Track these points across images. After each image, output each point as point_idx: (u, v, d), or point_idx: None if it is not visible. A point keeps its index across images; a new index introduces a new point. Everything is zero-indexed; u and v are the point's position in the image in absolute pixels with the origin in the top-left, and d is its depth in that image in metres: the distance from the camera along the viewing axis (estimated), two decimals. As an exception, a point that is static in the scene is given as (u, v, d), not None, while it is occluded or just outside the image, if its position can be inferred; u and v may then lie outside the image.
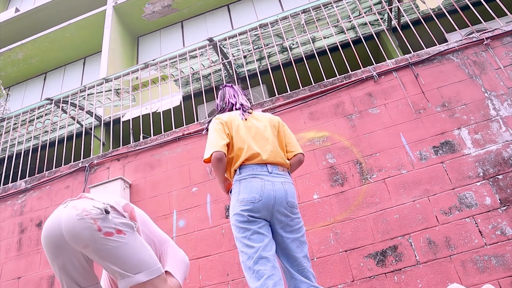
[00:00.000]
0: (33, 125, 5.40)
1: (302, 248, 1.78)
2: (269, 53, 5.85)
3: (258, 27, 4.75)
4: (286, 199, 1.78)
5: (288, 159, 1.97)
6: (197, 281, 2.87)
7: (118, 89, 5.71)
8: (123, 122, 5.67)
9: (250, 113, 2.07)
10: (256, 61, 5.70)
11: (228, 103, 2.15)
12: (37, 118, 5.32)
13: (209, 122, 2.05)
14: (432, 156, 2.85)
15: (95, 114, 6.02)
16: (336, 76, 3.51)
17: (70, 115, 5.15)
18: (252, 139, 1.90)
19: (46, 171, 4.11)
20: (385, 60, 3.50)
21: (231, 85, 2.24)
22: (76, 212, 1.37)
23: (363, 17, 4.65)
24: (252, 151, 1.84)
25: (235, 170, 1.86)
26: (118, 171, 3.68)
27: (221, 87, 2.27)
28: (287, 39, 5.02)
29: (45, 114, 5.41)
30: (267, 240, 1.70)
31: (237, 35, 4.77)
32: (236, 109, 2.09)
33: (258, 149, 1.85)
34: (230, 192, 1.89)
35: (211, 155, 1.80)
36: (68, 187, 3.77)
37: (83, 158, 4.72)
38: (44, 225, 1.44)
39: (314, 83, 3.53)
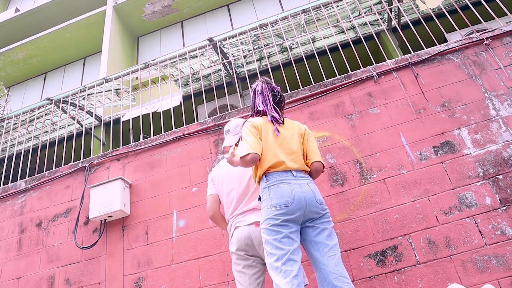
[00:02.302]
0: (33, 125, 5.40)
1: (332, 237, 1.91)
2: (269, 53, 5.85)
3: (258, 27, 4.75)
4: (315, 197, 1.91)
5: (308, 166, 2.05)
6: (197, 281, 2.87)
7: (118, 89, 5.71)
8: (123, 122, 5.67)
9: (283, 122, 2.11)
10: (256, 61, 5.71)
11: (257, 111, 2.15)
12: (37, 118, 5.32)
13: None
14: (432, 156, 2.85)
15: (95, 114, 6.03)
16: (336, 76, 3.51)
17: (70, 115, 5.15)
18: (279, 147, 1.99)
19: (46, 171, 4.11)
20: (385, 60, 3.49)
21: (262, 89, 2.17)
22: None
23: (363, 17, 4.65)
24: (277, 159, 1.94)
25: (260, 177, 1.97)
26: (118, 171, 3.68)
27: (253, 85, 2.24)
28: (287, 39, 5.02)
29: (45, 114, 5.40)
30: (296, 245, 1.83)
31: (237, 35, 4.77)
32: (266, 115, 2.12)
33: (283, 157, 1.95)
34: (259, 199, 2.00)
35: (248, 154, 1.88)
36: (68, 187, 3.78)
37: (83, 158, 4.72)
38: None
39: (314, 83, 3.53)
